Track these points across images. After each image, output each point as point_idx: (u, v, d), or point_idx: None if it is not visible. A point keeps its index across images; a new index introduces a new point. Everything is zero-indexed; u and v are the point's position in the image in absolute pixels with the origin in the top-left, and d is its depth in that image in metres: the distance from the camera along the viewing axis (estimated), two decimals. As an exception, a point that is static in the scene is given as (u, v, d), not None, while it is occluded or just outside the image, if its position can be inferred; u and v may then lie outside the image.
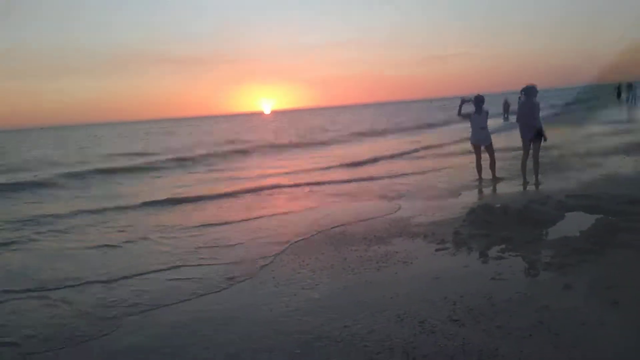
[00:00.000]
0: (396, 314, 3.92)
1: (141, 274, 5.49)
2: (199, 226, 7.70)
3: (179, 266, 5.69)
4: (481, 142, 9.62)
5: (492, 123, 10.45)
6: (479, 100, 9.51)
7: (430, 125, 32.94)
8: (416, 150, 17.30)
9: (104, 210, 9.67)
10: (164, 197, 10.62)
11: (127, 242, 7.00)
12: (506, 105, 33.16)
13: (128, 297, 4.80)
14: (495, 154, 9.80)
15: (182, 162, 19.84)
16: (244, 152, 22.88)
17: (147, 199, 10.50)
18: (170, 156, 21.51)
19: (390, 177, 11.61)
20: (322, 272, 5.08)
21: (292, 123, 59.82)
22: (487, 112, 9.66)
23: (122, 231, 7.78)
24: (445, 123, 32.56)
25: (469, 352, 3.24)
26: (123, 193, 12.42)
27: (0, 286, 5.31)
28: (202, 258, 5.95)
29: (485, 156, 9.71)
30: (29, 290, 5.17)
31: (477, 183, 9.60)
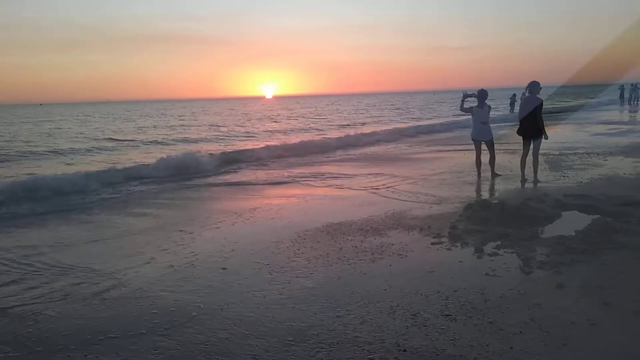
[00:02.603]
0: (389, 305, 3.94)
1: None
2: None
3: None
4: (482, 137, 9.60)
5: (497, 117, 10.34)
6: (482, 95, 9.48)
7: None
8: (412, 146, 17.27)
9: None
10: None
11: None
12: (513, 99, 33.27)
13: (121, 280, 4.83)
14: (495, 150, 9.78)
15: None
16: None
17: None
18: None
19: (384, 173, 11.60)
20: (317, 261, 5.09)
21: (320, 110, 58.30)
22: (489, 107, 9.65)
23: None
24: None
25: (460, 346, 3.27)
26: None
27: None
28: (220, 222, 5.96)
29: (485, 152, 9.69)
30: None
31: (475, 179, 9.60)
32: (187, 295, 4.35)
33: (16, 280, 4.86)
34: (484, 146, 9.66)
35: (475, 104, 9.59)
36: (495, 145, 9.75)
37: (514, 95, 33.54)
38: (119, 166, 12.70)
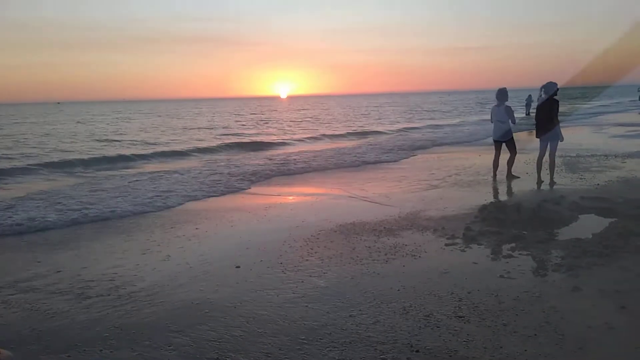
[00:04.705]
0: (402, 306, 3.93)
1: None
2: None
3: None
4: (500, 137, 9.50)
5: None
6: (501, 93, 9.38)
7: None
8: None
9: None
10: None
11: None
12: (529, 101, 32.74)
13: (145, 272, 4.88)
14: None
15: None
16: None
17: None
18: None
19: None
20: (330, 260, 5.10)
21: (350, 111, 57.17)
22: (508, 107, 9.44)
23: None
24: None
25: (473, 348, 3.25)
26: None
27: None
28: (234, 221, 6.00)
29: (505, 152, 9.57)
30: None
31: (490, 180, 9.52)
32: (201, 292, 4.38)
33: (34, 275, 4.95)
34: (504, 147, 9.55)
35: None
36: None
37: (530, 96, 33.06)
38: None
